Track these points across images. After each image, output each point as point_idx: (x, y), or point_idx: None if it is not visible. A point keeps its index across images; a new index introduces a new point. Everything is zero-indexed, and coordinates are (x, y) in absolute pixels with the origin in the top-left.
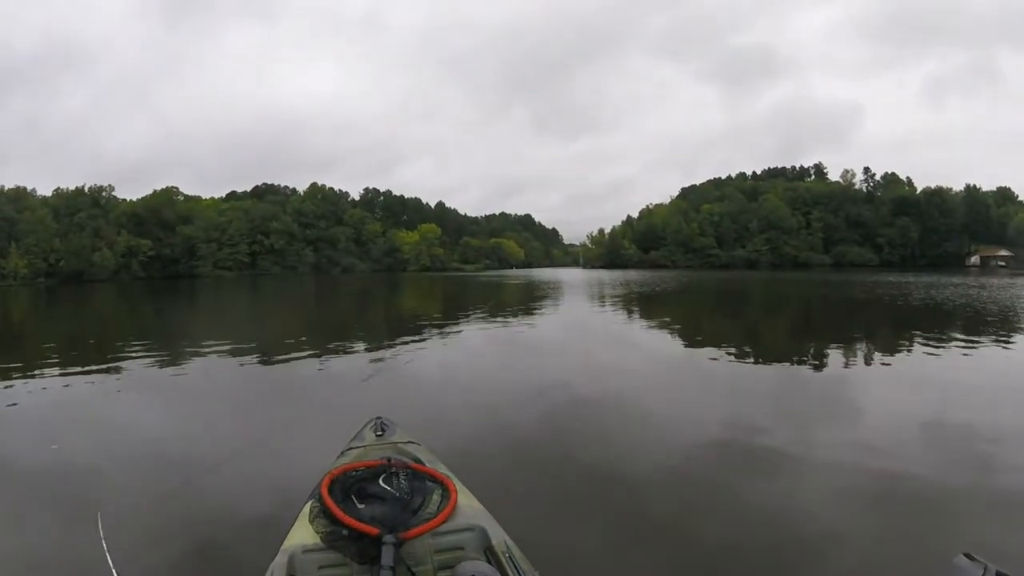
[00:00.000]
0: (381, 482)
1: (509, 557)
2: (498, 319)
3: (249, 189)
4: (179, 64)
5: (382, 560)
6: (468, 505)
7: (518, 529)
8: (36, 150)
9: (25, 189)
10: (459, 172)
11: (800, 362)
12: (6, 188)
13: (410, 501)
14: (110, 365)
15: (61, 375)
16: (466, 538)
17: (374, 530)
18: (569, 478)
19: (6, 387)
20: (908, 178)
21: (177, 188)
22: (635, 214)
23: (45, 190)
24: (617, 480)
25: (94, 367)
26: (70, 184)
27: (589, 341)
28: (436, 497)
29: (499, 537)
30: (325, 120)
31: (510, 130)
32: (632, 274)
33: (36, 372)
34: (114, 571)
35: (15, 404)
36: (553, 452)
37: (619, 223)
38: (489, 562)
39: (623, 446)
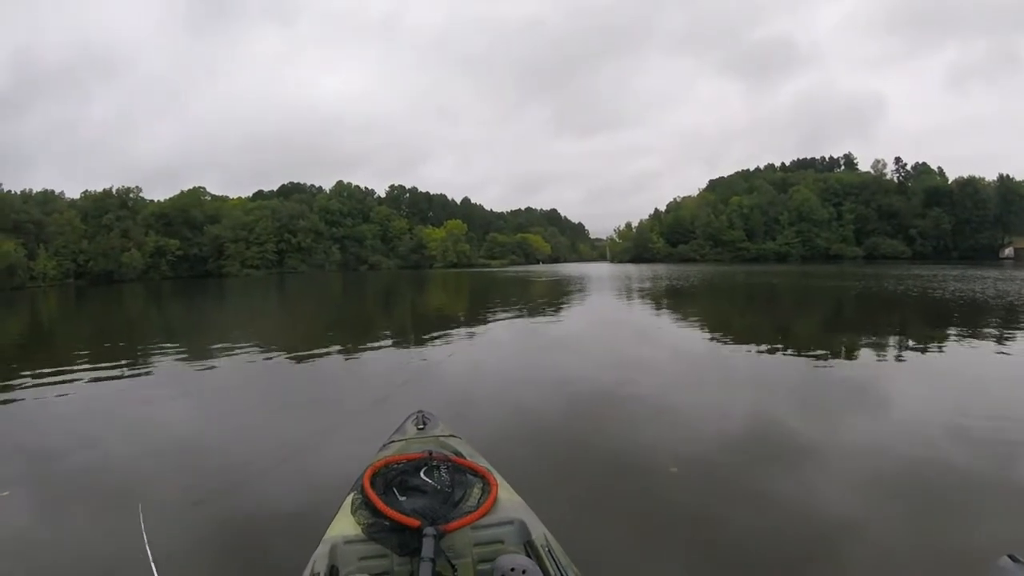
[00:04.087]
0: (422, 475)
1: (548, 551)
2: (527, 315)
3: (275, 188)
4: (204, 69)
5: (423, 552)
6: (508, 499)
7: (556, 523)
8: (65, 154)
9: (53, 192)
10: (483, 169)
11: (831, 356)
12: (34, 191)
13: (451, 494)
14: (143, 364)
15: (97, 374)
16: (506, 531)
17: (415, 522)
18: (603, 473)
19: (45, 385)
20: (939, 168)
21: (204, 188)
22: (659, 207)
23: (73, 193)
24: (649, 474)
25: (127, 366)
26: (98, 187)
27: (619, 336)
28: (476, 491)
29: (539, 531)
30: (349, 120)
31: (532, 126)
32: (660, 268)
33: (74, 371)
34: (152, 562)
35: (63, 395)
36: (587, 447)
37: (645, 217)
38: (529, 556)
39: (654, 440)
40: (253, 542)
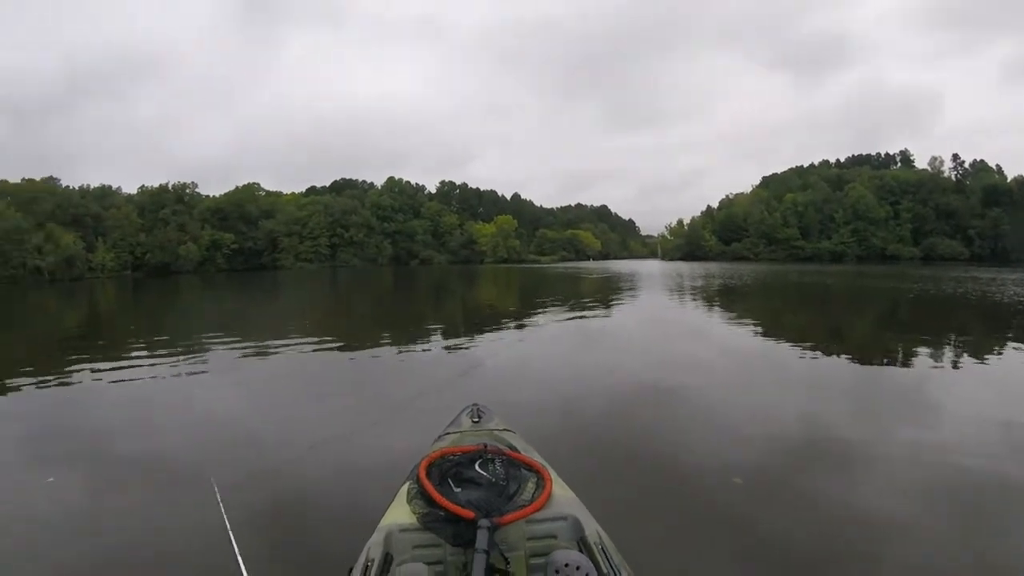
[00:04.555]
0: (477, 467)
1: (601, 548)
2: (578, 311)
3: (328, 184)
4: (255, 69)
5: (477, 543)
6: (562, 495)
7: (609, 521)
8: (120, 152)
9: (111, 187)
10: (533, 165)
11: (886, 360)
12: (92, 187)
13: (505, 487)
14: (200, 353)
15: (155, 362)
16: (559, 527)
17: (470, 513)
18: (656, 473)
19: (105, 371)
20: (998, 166)
21: (258, 184)
22: (711, 204)
23: (130, 188)
24: (701, 477)
25: (183, 355)
26: (154, 182)
27: (671, 334)
28: (531, 485)
29: (591, 528)
30: (399, 117)
31: (580, 122)
32: (712, 266)
33: (133, 359)
34: (231, 533)
35: (122, 381)
36: (640, 446)
37: (697, 214)
38: (581, 552)
39: (705, 442)
40: (311, 524)
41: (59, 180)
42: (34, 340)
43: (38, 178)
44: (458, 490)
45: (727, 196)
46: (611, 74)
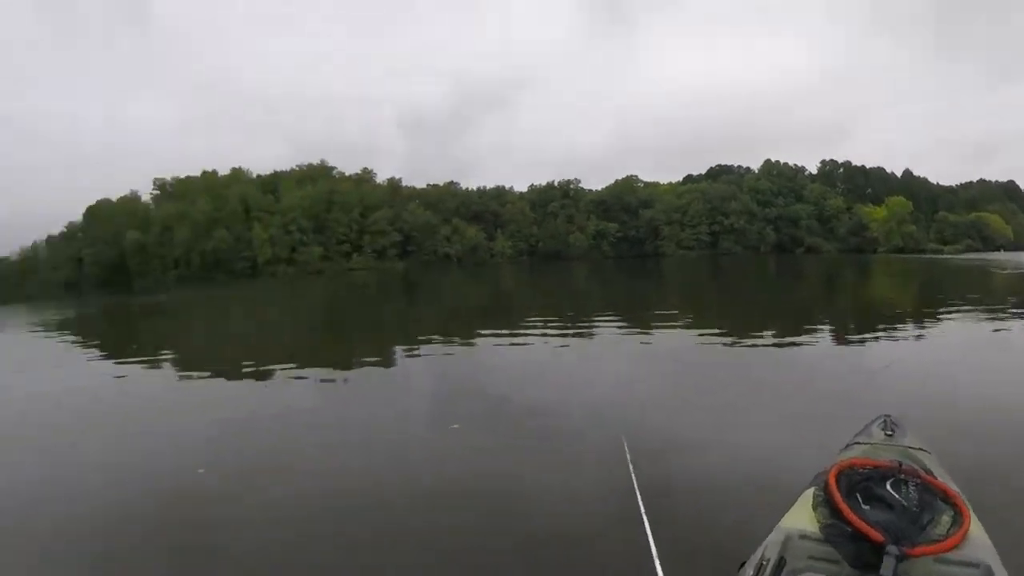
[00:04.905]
0: (889, 486)
1: None
2: (988, 316)
3: (704, 171)
4: (616, 67)
5: (882, 570)
6: (978, 537)
7: None
8: (511, 157)
9: (504, 187)
10: (922, 134)
11: None
12: (488, 187)
13: (919, 515)
14: (586, 328)
15: (546, 332)
16: (967, 574)
17: (880, 536)
18: None
19: (502, 339)
20: None
21: (636, 176)
22: None
23: (521, 187)
24: None
25: (570, 330)
26: (541, 181)
27: None
28: (946, 518)
29: None
30: (768, 98)
31: (964, 81)
32: None
33: (524, 332)
34: (638, 493)
35: (515, 345)
36: None
37: None
38: None
39: None
40: (708, 508)
41: (459, 184)
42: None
43: (441, 183)
44: (867, 507)
45: None
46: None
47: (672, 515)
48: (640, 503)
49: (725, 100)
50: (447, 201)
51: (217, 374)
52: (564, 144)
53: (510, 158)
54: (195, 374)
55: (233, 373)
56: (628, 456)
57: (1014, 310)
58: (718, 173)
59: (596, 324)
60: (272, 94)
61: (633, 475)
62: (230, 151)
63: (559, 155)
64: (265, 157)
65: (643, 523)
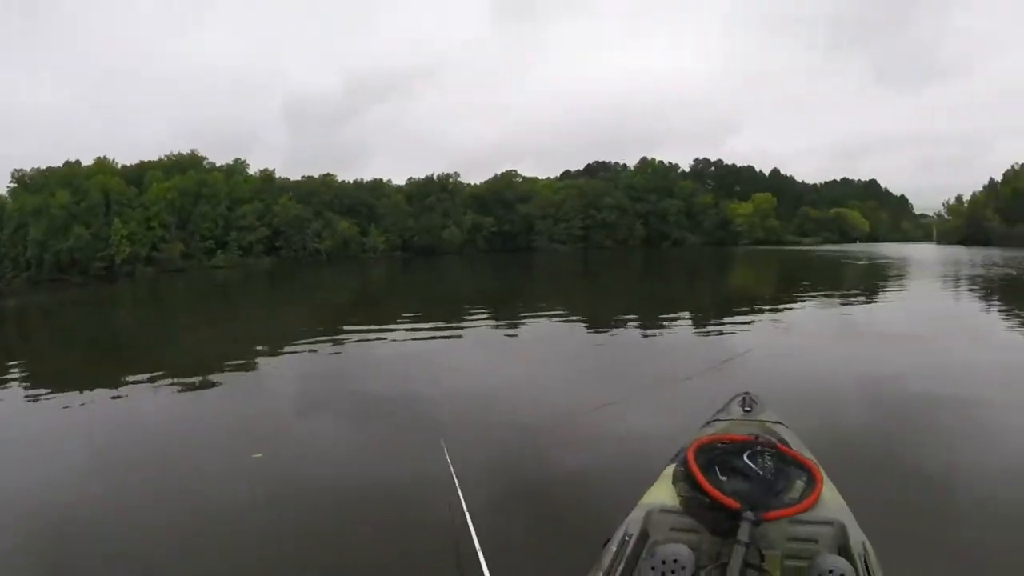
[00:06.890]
0: (746, 458)
1: (865, 561)
2: (842, 302)
3: (582, 168)
4: (511, 63)
5: (738, 535)
6: (831, 498)
7: (876, 534)
8: (393, 151)
9: (382, 180)
10: (793, 136)
11: None
12: (365, 180)
13: (773, 482)
14: (456, 324)
15: (415, 326)
16: (824, 532)
17: (735, 504)
18: (934, 490)
19: (370, 335)
20: None
21: (516, 171)
22: (995, 177)
23: (399, 180)
24: (985, 505)
25: (442, 326)
26: (421, 174)
27: (946, 335)
28: (800, 483)
29: (857, 538)
30: (653, 97)
31: (845, 85)
32: (995, 253)
33: (394, 328)
34: (460, 491)
35: (383, 341)
36: (919, 457)
37: (980, 189)
38: None
39: (999, 465)
40: (570, 493)
41: (336, 176)
42: (316, 309)
43: (316, 175)
44: (724, 479)
45: (1011, 167)
46: (877, 24)
47: (527, 506)
48: (461, 497)
49: (612, 101)
50: (321, 194)
51: (67, 387)
52: (451, 140)
53: (397, 152)
54: (44, 391)
55: (80, 384)
56: (447, 456)
57: (861, 297)
58: (596, 170)
59: (464, 318)
60: (152, 78)
61: (455, 476)
62: (102, 139)
63: (445, 150)
64: (145, 146)
65: (463, 510)
